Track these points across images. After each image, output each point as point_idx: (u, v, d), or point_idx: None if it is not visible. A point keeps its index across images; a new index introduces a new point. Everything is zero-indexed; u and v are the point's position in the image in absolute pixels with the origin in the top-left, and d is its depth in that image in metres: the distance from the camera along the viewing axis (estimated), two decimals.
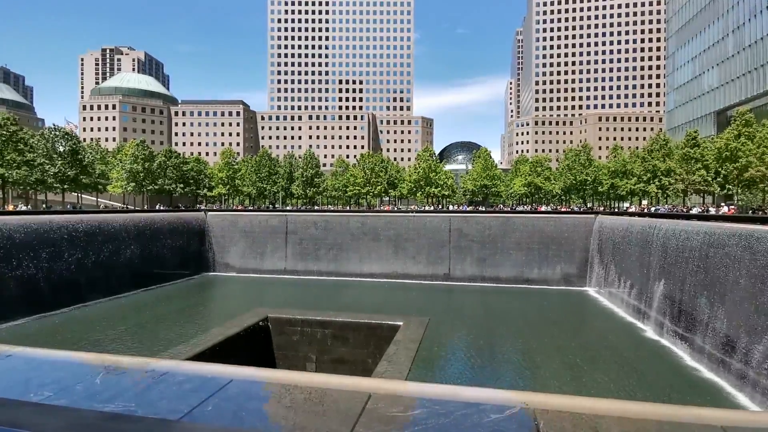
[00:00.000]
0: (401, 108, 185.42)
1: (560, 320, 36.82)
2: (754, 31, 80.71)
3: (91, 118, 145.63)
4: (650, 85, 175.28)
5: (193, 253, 55.81)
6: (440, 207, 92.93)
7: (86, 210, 59.46)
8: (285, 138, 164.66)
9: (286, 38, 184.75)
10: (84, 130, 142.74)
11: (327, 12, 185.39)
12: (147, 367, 3.54)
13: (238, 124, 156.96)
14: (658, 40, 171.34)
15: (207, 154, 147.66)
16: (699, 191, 62.56)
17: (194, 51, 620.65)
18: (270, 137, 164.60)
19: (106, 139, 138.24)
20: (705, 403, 20.88)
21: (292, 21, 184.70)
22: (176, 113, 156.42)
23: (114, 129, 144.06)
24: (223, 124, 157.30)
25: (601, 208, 79.11)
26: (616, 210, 77.20)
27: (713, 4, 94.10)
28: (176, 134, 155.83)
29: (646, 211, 63.21)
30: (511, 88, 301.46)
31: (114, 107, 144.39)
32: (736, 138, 54.88)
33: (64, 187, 65.43)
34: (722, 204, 62.13)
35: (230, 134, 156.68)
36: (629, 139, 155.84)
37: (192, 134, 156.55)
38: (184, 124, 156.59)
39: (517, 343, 30.32)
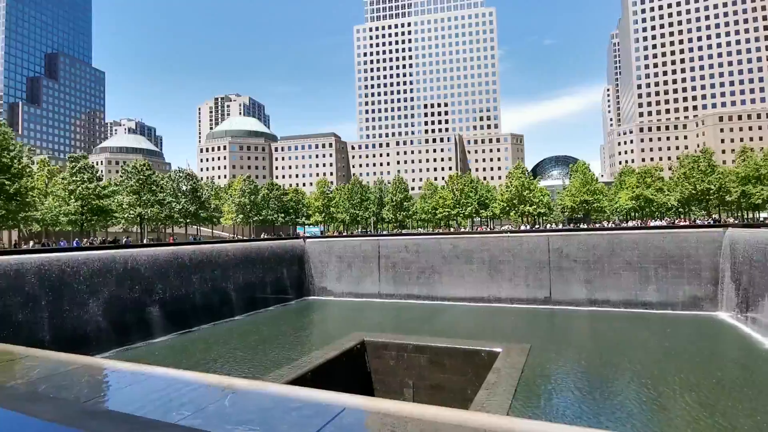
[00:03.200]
0: (488, 126, 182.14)
1: (686, 350, 32.17)
2: None
3: (207, 159, 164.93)
4: None
5: (294, 279, 59.34)
6: (537, 226, 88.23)
7: (205, 240, 66.60)
8: (374, 165, 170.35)
9: (371, 70, 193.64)
10: (201, 170, 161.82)
11: (410, 40, 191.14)
12: (265, 391, 3.70)
13: (330, 155, 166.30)
14: None
15: (304, 184, 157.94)
16: None
17: (290, 91, 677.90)
18: (360, 165, 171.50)
19: (219, 177, 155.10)
20: None
21: (377, 53, 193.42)
22: (276, 149, 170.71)
23: (225, 167, 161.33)
24: (317, 156, 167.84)
25: (731, 220, 68.92)
26: (753, 221, 66.69)
27: None
28: (276, 168, 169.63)
29: None
30: (608, 96, 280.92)
31: (224, 148, 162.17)
32: None
33: (187, 221, 74.27)
34: None
35: (324, 165, 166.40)
36: (759, 139, 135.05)
37: (290, 167, 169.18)
38: (283, 159, 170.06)
39: (635, 376, 26.99)
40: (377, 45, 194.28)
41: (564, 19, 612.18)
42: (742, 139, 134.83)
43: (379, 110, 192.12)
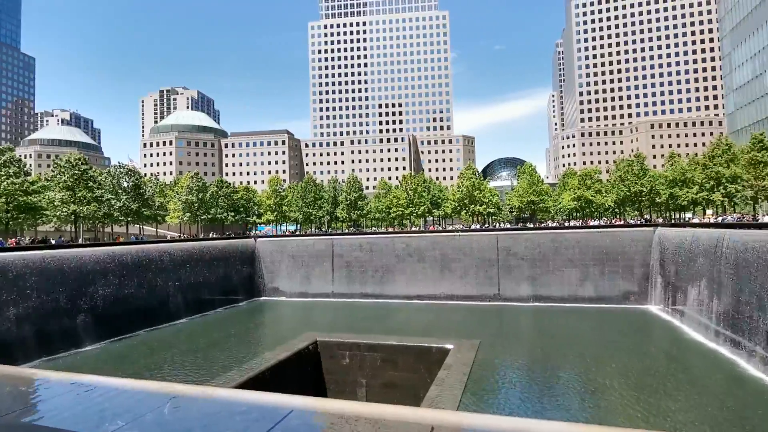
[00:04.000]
0: (442, 128, 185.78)
1: (621, 341, 34.47)
2: None
3: (151, 155, 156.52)
4: (705, 88, 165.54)
5: (244, 279, 57.66)
6: (486, 225, 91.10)
7: (147, 240, 63.25)
8: (328, 164, 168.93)
9: (326, 67, 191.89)
10: (145, 165, 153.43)
11: (365, 39, 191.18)
12: (210, 396, 3.56)
13: (283, 153, 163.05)
14: (711, 40, 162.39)
15: (255, 182, 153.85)
16: None
17: (241, 87, 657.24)
18: (314, 163, 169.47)
19: (164, 173, 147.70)
20: None
21: (332, 51, 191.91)
22: (226, 145, 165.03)
23: (171, 163, 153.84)
24: (269, 153, 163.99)
25: (660, 220, 74.50)
26: (678, 221, 72.43)
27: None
28: (226, 165, 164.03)
29: (712, 221, 58.84)
30: (553, 101, 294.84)
31: (171, 143, 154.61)
32: None
33: (128, 220, 70.10)
34: None
35: (276, 162, 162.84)
36: (686, 145, 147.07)
37: (241, 164, 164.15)
38: (233, 155, 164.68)
39: (577, 367, 28.59)
40: (332, 42, 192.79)
41: (513, 26, 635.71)
42: (670, 145, 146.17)
43: (334, 108, 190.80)
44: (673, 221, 72.54)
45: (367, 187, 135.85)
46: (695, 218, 74.99)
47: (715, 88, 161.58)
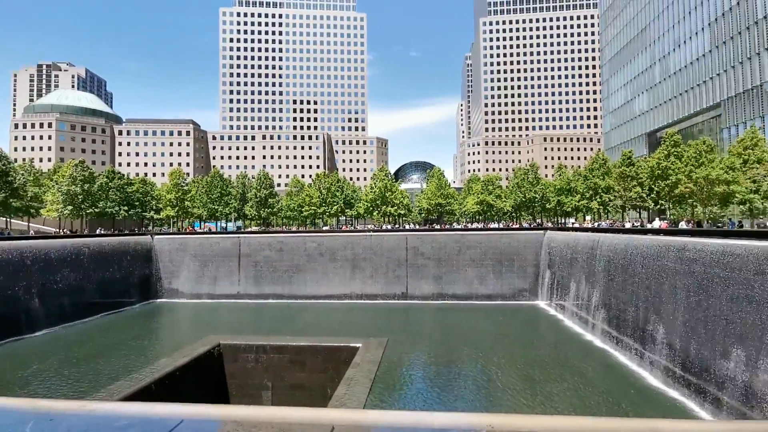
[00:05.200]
0: (356, 128, 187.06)
1: (514, 334, 37.70)
2: (678, 60, 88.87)
3: (24, 137, 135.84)
4: (589, 109, 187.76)
5: (138, 280, 52.67)
6: (397, 226, 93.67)
7: (15, 237, 54.89)
8: (238, 158, 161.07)
9: (238, 57, 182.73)
10: (15, 150, 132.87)
11: (281, 32, 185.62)
12: (87, 412, 3.21)
13: (187, 144, 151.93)
14: (594, 67, 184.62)
15: (154, 174, 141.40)
16: (636, 207, 67.02)
17: (141, 69, 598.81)
18: (222, 157, 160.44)
19: (41, 160, 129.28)
20: (642, 400, 21.92)
21: (245, 41, 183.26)
22: (120, 132, 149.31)
23: (50, 149, 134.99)
24: (171, 144, 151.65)
25: (549, 224, 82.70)
26: (563, 225, 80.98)
27: (641, 36, 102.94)
28: (120, 154, 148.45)
29: (590, 226, 66.76)
30: (462, 110, 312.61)
31: (50, 126, 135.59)
32: (666, 157, 59.55)
33: None
34: (656, 218, 66.75)
35: (179, 154, 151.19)
36: (572, 158, 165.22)
37: (138, 154, 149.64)
38: (128, 144, 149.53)
39: (475, 360, 30.63)
40: (245, 32, 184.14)
41: (429, 36, 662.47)
42: (560, 158, 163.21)
43: (245, 101, 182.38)
44: (559, 226, 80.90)
45: (278, 185, 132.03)
46: (576, 223, 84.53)
47: (596, 109, 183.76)
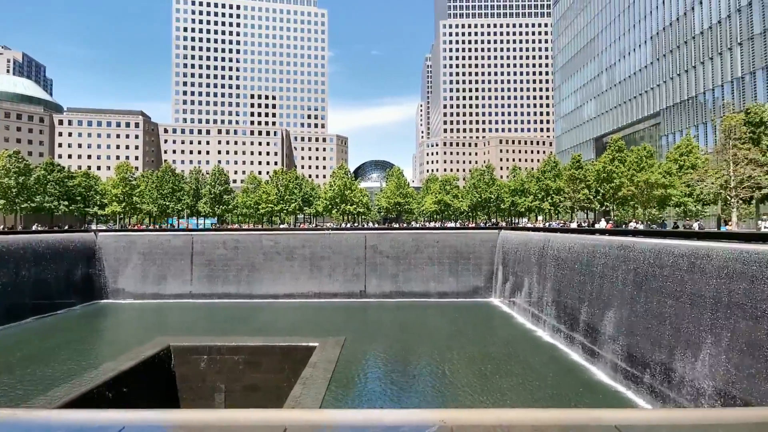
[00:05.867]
0: (316, 125, 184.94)
1: (469, 331, 38.66)
2: (623, 71, 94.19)
3: None
4: (542, 113, 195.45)
5: (80, 280, 49.57)
6: (356, 224, 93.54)
7: None
8: (191, 153, 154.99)
9: (193, 48, 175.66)
10: None
11: (238, 24, 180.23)
12: (17, 420, 2.98)
13: (136, 137, 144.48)
14: (547, 73, 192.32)
15: (99, 168, 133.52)
16: (583, 208, 70.49)
17: (85, 55, 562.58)
18: (174, 151, 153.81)
19: None
20: (588, 391, 23.17)
21: (200, 30, 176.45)
22: (61, 122, 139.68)
23: None
24: (119, 136, 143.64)
25: (503, 224, 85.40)
26: (516, 225, 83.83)
27: (589, 46, 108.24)
28: (60, 145, 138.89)
29: (541, 226, 69.49)
30: (421, 110, 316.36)
31: None
32: (610, 162, 63.01)
33: None
34: (602, 219, 70.55)
35: (127, 147, 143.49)
36: (526, 160, 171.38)
37: (80, 146, 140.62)
38: (70, 135, 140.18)
39: (431, 357, 31.13)
40: (200, 22, 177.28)
41: (390, 35, 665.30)
42: (514, 159, 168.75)
43: (200, 94, 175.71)
44: (513, 225, 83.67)
45: (234, 181, 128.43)
46: (529, 223, 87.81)
47: (549, 114, 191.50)
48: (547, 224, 73.19)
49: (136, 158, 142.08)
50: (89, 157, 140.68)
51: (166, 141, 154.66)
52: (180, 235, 55.02)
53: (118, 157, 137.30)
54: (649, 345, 21.51)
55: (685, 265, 19.70)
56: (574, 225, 64.46)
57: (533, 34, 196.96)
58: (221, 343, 17.87)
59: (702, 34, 71.54)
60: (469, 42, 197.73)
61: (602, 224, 56.94)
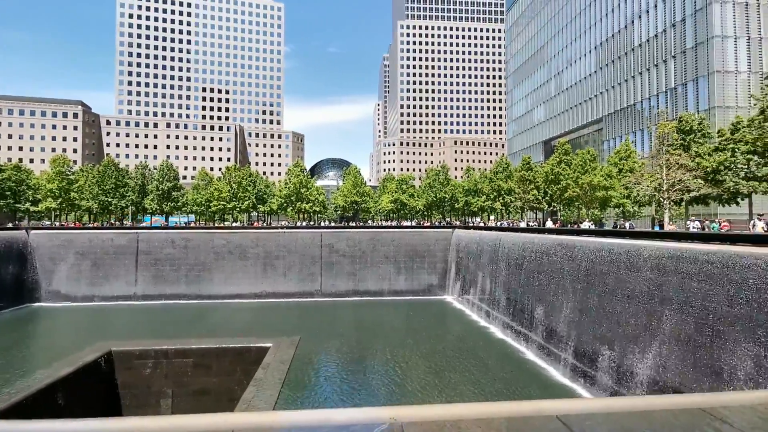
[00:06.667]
0: (271, 122, 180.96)
1: (424, 328, 39.31)
2: (570, 78, 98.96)
3: None
4: (495, 116, 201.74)
5: (10, 281, 45.81)
6: (312, 223, 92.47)
7: None
8: (137, 146, 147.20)
9: (139, 36, 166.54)
10: None
11: (189, 14, 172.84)
12: None
13: (75, 128, 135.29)
14: (500, 77, 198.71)
15: (32, 161, 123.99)
16: (533, 208, 73.54)
17: (15, 38, 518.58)
18: (118, 145, 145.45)
19: None
20: (535, 383, 24.28)
21: (147, 18, 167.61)
22: None
23: None
24: (55, 127, 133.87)
25: (457, 223, 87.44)
26: (470, 224, 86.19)
27: (539, 53, 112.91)
28: None
29: (493, 225, 71.79)
30: (379, 109, 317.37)
31: None
32: (558, 164, 66.16)
33: None
34: (549, 219, 73.92)
35: (65, 139, 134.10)
36: (480, 161, 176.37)
37: (11, 137, 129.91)
38: (0, 125, 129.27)
39: (386, 355, 31.38)
40: (147, 9, 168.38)
41: (348, 32, 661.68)
42: (468, 160, 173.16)
43: (147, 84, 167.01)
44: (466, 224, 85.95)
45: (184, 177, 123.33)
46: (482, 222, 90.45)
47: (502, 117, 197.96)
48: (498, 223, 75.72)
49: (75, 151, 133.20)
50: (21, 149, 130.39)
51: (108, 133, 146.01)
52: (124, 233, 52.15)
53: (54, 150, 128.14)
54: (591, 338, 22.80)
55: (623, 262, 21.04)
56: (523, 224, 67.16)
57: (487, 38, 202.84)
58: (168, 347, 17.09)
59: (641, 46, 76.54)
60: (426, 43, 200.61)
61: (549, 224, 59.63)
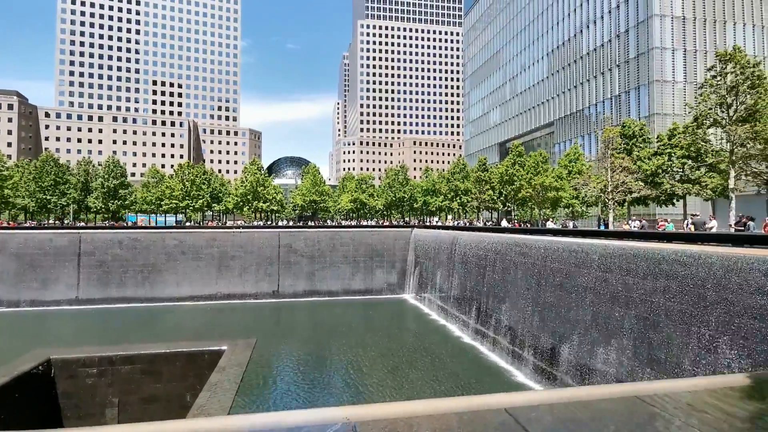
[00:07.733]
0: (227, 118, 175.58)
1: (382, 327, 39.58)
2: (524, 82, 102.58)
3: None
4: (453, 117, 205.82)
5: None
6: (269, 222, 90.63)
7: None
8: (79, 141, 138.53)
9: (82, 23, 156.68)
10: None
11: (138, 2, 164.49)
12: None
13: (9, 120, 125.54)
14: (458, 80, 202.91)
15: None
16: (488, 208, 75.72)
17: None
18: (58, 139, 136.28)
19: None
20: (489, 378, 25.08)
21: (92, 4, 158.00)
22: None
23: None
24: None
25: (416, 222, 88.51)
26: (428, 223, 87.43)
27: (495, 57, 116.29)
28: None
29: (450, 224, 73.28)
30: (338, 108, 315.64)
31: None
32: (512, 166, 68.46)
33: None
34: (504, 218, 76.36)
35: None
36: (438, 162, 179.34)
37: None
38: None
39: (344, 354, 31.32)
40: None
41: (307, 29, 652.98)
42: (427, 161, 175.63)
43: (91, 75, 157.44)
44: (425, 224, 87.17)
45: (132, 174, 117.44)
46: (439, 222, 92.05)
47: (459, 118, 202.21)
48: (455, 223, 77.33)
49: (9, 145, 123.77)
50: None
51: (47, 126, 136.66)
52: (64, 233, 48.93)
53: None
54: (542, 332, 23.81)
55: (572, 260, 22.13)
56: (479, 224, 68.98)
57: (446, 41, 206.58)
58: (113, 353, 16.25)
59: (588, 54, 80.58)
60: (386, 44, 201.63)
61: (504, 223, 61.60)
